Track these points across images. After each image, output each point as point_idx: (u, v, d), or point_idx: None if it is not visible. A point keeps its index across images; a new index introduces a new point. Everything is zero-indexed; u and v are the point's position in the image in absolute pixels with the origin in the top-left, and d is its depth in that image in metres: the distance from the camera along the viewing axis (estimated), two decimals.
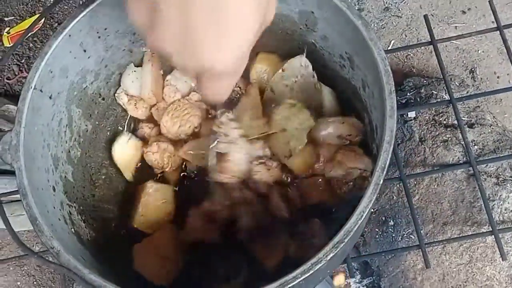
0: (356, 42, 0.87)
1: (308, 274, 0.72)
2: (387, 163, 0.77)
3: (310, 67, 1.03)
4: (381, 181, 0.76)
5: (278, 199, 0.99)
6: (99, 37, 0.95)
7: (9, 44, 1.88)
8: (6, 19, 1.92)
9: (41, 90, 0.87)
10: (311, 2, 0.92)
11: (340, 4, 0.86)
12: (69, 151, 1.00)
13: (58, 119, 0.95)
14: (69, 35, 0.88)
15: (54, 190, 0.92)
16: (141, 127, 1.11)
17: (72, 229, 0.93)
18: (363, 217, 0.75)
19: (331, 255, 0.73)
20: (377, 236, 1.43)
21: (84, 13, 0.88)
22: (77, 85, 0.97)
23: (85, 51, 0.94)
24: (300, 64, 1.03)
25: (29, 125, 0.85)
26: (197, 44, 0.59)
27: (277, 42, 1.07)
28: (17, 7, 1.92)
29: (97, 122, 1.07)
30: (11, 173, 1.50)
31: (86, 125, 1.04)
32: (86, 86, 1.00)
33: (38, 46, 1.87)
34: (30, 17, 1.91)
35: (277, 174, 1.00)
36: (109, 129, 1.11)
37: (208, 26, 0.58)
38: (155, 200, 1.05)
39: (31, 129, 0.86)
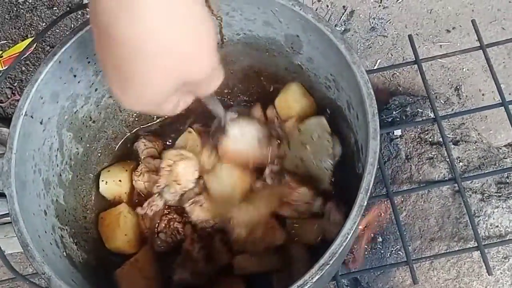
0: (340, 65, 0.90)
1: None
2: (371, 185, 0.78)
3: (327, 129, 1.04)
4: (365, 203, 0.77)
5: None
6: (88, 62, 0.97)
7: (2, 67, 1.89)
8: None
9: (32, 116, 0.89)
10: (296, 26, 0.94)
11: (324, 28, 0.88)
12: (61, 175, 1.01)
13: (49, 144, 0.96)
14: (59, 61, 0.90)
15: (45, 214, 0.93)
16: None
17: (64, 252, 0.95)
18: (348, 238, 0.76)
19: (317, 277, 0.74)
20: (366, 253, 1.44)
21: (73, 39, 0.90)
22: (67, 110, 0.99)
23: (75, 76, 0.96)
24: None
25: (20, 151, 0.86)
26: (111, 85, 0.66)
27: (264, 64, 1.10)
28: (9, 31, 1.94)
29: (88, 145, 1.09)
30: (4, 195, 1.51)
31: (77, 148, 1.06)
32: (77, 110, 1.02)
33: (31, 69, 1.89)
34: (22, 40, 1.93)
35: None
36: (100, 151, 1.13)
37: (117, 76, 0.64)
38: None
39: (22, 154, 0.87)
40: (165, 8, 0.58)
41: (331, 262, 0.75)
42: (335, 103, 1.02)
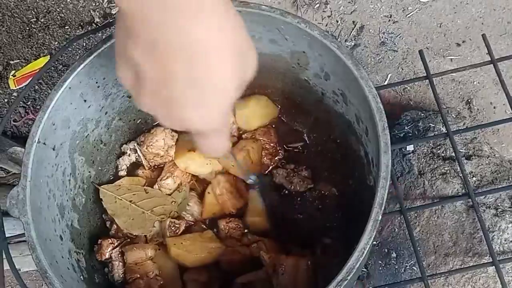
0: (348, 80, 0.90)
1: None
2: (385, 198, 0.79)
3: None
4: (380, 217, 0.78)
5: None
6: (98, 87, 0.98)
7: (15, 86, 1.91)
8: (11, 62, 1.96)
9: (44, 143, 0.90)
10: (302, 42, 0.95)
11: (330, 45, 0.89)
12: (74, 199, 1.02)
13: (62, 169, 0.97)
14: (69, 88, 0.92)
15: (61, 239, 0.94)
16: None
17: (81, 277, 0.96)
18: (364, 254, 0.76)
19: None
20: (380, 268, 1.44)
21: (82, 65, 0.91)
22: (79, 134, 1.00)
23: (85, 101, 0.97)
24: None
25: (34, 178, 0.87)
26: (178, 110, 0.62)
27: (271, 79, 1.10)
28: (22, 50, 1.96)
29: (99, 168, 1.10)
30: None
31: (89, 172, 1.07)
32: (88, 134, 1.03)
33: (43, 88, 1.90)
34: (35, 59, 1.94)
35: None
36: (111, 173, 1.14)
37: (187, 94, 0.60)
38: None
39: (37, 181, 0.88)
40: (221, 11, 0.60)
41: (348, 278, 0.75)
42: (344, 117, 1.03)
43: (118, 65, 0.65)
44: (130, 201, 1.07)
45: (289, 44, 0.97)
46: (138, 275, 1.02)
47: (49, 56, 1.92)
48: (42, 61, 1.91)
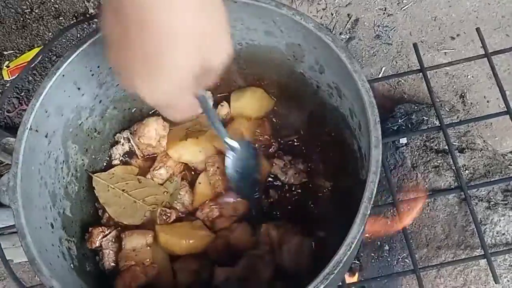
0: (342, 73, 0.90)
1: None
2: (374, 193, 0.79)
3: None
4: (368, 211, 0.78)
5: None
6: (92, 75, 0.98)
7: (9, 77, 1.91)
8: (5, 52, 1.95)
9: (36, 130, 0.89)
10: (297, 35, 0.95)
11: (325, 38, 0.89)
12: (67, 187, 1.02)
13: (55, 157, 0.97)
14: (63, 75, 0.91)
15: (52, 227, 0.94)
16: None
17: (72, 265, 0.95)
18: (352, 248, 0.76)
19: (322, 286, 0.75)
20: (373, 261, 1.44)
21: (76, 53, 0.91)
22: (72, 122, 1.00)
23: (79, 89, 0.97)
24: None
25: (26, 165, 0.87)
26: (131, 77, 0.66)
27: (266, 71, 1.11)
28: (16, 41, 1.95)
29: (93, 156, 1.10)
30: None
31: (82, 160, 1.06)
32: (82, 122, 1.03)
33: (37, 79, 1.90)
34: (29, 50, 1.94)
35: None
36: (105, 162, 1.13)
37: (139, 64, 0.64)
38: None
39: (28, 168, 0.88)
40: None
41: (335, 272, 0.75)
42: (338, 111, 1.03)
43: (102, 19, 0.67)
44: (123, 190, 1.07)
45: (284, 36, 0.98)
46: (134, 262, 1.01)
47: (42, 47, 1.92)
48: (36, 51, 1.90)
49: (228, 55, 0.69)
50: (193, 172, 1.12)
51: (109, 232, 1.05)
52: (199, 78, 0.68)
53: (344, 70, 0.88)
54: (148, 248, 1.03)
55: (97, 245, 1.04)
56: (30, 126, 0.88)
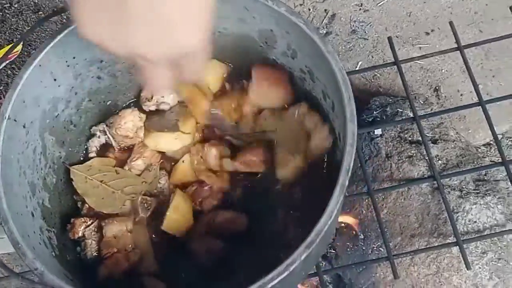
0: (315, 56, 0.92)
1: (284, 275, 0.75)
2: (351, 165, 0.81)
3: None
4: (347, 182, 0.80)
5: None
6: (68, 66, 0.98)
7: None
8: None
9: (15, 120, 0.90)
10: (269, 20, 0.96)
11: (297, 21, 0.90)
12: (45, 178, 1.02)
13: (33, 147, 0.98)
14: (40, 65, 0.92)
15: (33, 216, 0.95)
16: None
17: (53, 253, 0.96)
18: (332, 217, 0.78)
19: (305, 255, 0.76)
20: (348, 250, 1.47)
21: (52, 43, 0.92)
22: (49, 113, 1.00)
23: (55, 80, 0.98)
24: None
25: (5, 154, 0.88)
26: (129, 28, 0.61)
27: (239, 60, 1.12)
28: None
29: (70, 149, 1.10)
30: None
31: (59, 152, 1.07)
32: (58, 114, 1.03)
33: (16, 72, 1.90)
34: (8, 45, 1.94)
35: None
36: (81, 154, 1.14)
37: (140, 13, 0.60)
38: None
39: (7, 157, 0.89)
40: None
41: (317, 240, 0.77)
42: (311, 94, 1.05)
43: None
44: (101, 181, 1.08)
45: (257, 23, 0.98)
46: (116, 249, 1.03)
47: (22, 42, 1.92)
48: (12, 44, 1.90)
49: (199, 40, 0.67)
50: (173, 163, 1.12)
51: (91, 223, 1.06)
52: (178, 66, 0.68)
53: (318, 51, 0.89)
54: (129, 234, 1.05)
55: (80, 235, 1.05)
56: (8, 116, 0.89)
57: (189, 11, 0.63)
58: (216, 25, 1.02)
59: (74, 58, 0.98)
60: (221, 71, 1.14)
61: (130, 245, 1.04)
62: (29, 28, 1.93)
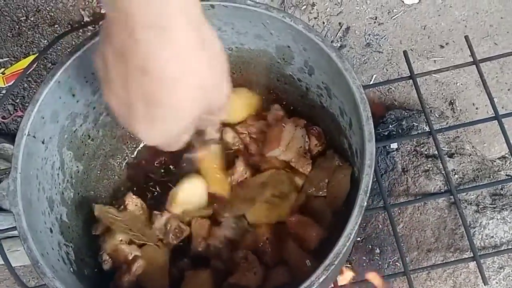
0: (332, 73, 0.92)
1: None
2: (370, 185, 0.81)
3: None
4: (365, 203, 0.80)
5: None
6: (86, 82, 0.99)
7: (4, 84, 1.91)
8: (0, 60, 1.96)
9: (34, 136, 0.91)
10: (287, 37, 0.96)
11: (315, 38, 0.90)
12: (63, 193, 1.03)
13: (51, 163, 0.98)
14: (58, 82, 0.92)
15: (51, 231, 0.95)
16: None
17: (71, 269, 0.96)
18: (351, 239, 0.78)
19: (323, 277, 0.76)
20: (364, 264, 1.46)
21: (71, 60, 0.92)
22: (67, 129, 1.01)
23: (73, 95, 0.98)
24: None
25: (24, 170, 0.88)
26: (131, 118, 0.65)
27: (255, 75, 1.12)
28: (11, 48, 1.96)
29: (87, 163, 1.11)
30: (4, 210, 1.53)
31: (77, 167, 1.07)
32: (76, 129, 1.04)
33: (33, 86, 1.91)
34: (24, 58, 1.95)
35: None
36: (99, 169, 1.15)
37: (138, 107, 0.63)
38: None
39: (27, 174, 0.89)
40: (197, 42, 0.62)
41: (336, 262, 0.77)
42: (328, 110, 1.05)
43: (95, 55, 0.67)
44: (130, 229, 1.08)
45: (274, 39, 0.99)
46: (121, 261, 1.04)
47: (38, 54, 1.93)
48: (31, 59, 1.91)
49: (228, 97, 0.70)
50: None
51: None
52: (200, 121, 0.70)
53: (334, 69, 0.89)
54: (123, 245, 1.05)
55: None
56: (28, 132, 0.89)
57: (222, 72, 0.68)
58: (233, 40, 1.03)
59: (92, 74, 0.98)
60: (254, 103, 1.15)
61: (130, 254, 1.05)
62: (45, 41, 1.94)
